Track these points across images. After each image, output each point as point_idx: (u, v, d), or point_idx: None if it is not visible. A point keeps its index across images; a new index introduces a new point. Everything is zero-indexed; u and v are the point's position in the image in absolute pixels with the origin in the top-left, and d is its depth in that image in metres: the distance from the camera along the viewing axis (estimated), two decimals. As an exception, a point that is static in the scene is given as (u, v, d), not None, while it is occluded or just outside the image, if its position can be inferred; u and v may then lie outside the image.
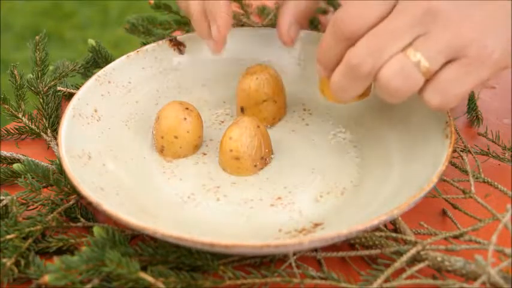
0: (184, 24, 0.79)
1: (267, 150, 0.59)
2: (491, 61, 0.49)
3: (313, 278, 0.50)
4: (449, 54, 0.49)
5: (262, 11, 0.85)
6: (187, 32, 0.78)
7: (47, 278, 0.45)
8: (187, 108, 0.60)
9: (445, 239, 0.52)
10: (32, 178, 0.56)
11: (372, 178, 0.57)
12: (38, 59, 0.69)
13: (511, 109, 0.67)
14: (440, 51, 0.48)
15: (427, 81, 0.49)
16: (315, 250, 0.52)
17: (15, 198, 0.55)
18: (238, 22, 0.82)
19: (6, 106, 0.66)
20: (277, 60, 0.67)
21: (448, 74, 0.49)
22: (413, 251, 0.50)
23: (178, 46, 0.68)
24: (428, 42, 0.48)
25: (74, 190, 0.55)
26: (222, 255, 0.51)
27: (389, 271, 0.48)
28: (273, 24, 0.81)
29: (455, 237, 0.52)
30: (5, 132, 0.66)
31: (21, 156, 0.61)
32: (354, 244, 0.53)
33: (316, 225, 0.53)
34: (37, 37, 0.70)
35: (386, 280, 0.48)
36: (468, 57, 0.48)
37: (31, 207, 0.56)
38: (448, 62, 0.49)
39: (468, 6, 0.49)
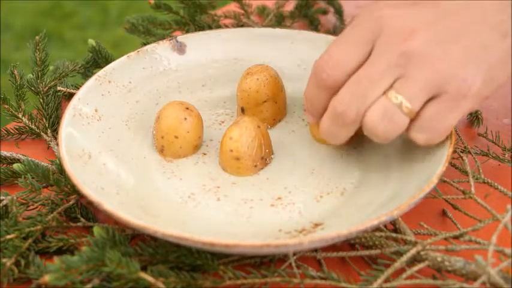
0: (184, 24, 0.79)
1: (267, 151, 0.59)
2: (472, 93, 0.50)
3: (313, 278, 0.50)
4: (429, 92, 0.50)
5: (262, 11, 0.85)
6: (187, 32, 0.78)
7: (47, 278, 0.45)
8: (187, 108, 0.60)
9: (445, 239, 0.52)
10: (32, 178, 0.56)
11: (371, 179, 0.57)
12: (38, 59, 0.69)
13: (511, 109, 0.67)
14: (420, 90, 0.49)
15: (412, 120, 0.51)
16: (315, 250, 0.52)
17: (15, 198, 0.55)
18: (238, 22, 0.82)
19: (6, 106, 0.66)
20: (277, 60, 0.67)
21: (430, 111, 0.50)
22: (413, 251, 0.50)
23: (179, 46, 0.68)
24: (407, 84, 0.49)
25: (74, 190, 0.55)
26: (222, 255, 0.51)
27: (389, 271, 0.49)
28: (273, 25, 0.81)
29: (455, 237, 0.52)
30: (5, 132, 0.66)
31: (21, 156, 0.61)
32: (354, 244, 0.53)
33: (316, 225, 0.53)
34: (37, 37, 0.70)
35: (386, 280, 0.48)
36: (448, 93, 0.49)
37: (31, 207, 0.56)
38: (429, 100, 0.50)
39: (443, 43, 0.50)
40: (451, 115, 0.50)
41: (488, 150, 0.61)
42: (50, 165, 0.59)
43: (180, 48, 0.69)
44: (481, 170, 0.58)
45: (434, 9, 0.51)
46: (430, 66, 0.49)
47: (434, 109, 0.50)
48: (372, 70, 0.50)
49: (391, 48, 0.50)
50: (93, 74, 0.64)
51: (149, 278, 0.47)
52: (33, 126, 0.66)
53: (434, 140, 0.52)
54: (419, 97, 0.50)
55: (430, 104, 0.50)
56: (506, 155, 0.61)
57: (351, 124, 0.52)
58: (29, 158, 0.59)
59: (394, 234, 0.52)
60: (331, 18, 0.85)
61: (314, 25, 0.82)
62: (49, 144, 0.64)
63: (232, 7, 0.84)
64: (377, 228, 0.52)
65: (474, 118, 0.66)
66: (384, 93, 0.50)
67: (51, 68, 0.70)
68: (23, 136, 0.66)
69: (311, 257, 0.52)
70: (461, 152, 0.60)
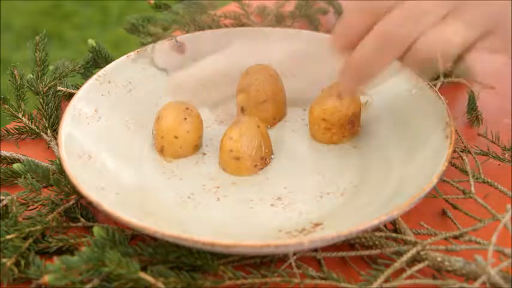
0: (184, 24, 0.79)
1: (267, 151, 0.59)
2: None
3: (313, 278, 0.50)
4: (483, 27, 0.49)
5: (262, 11, 0.85)
6: (187, 32, 0.78)
7: (47, 278, 0.45)
8: (187, 108, 0.60)
9: (445, 239, 0.52)
10: (32, 178, 0.56)
11: (371, 178, 0.57)
12: (38, 59, 0.69)
13: (511, 109, 0.67)
14: (475, 23, 0.49)
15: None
16: (315, 250, 0.52)
17: (15, 198, 0.55)
18: (238, 22, 0.82)
19: (6, 106, 0.66)
20: (277, 60, 0.67)
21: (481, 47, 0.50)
22: (413, 251, 0.50)
23: (178, 46, 0.68)
24: (463, 16, 0.49)
25: (74, 190, 0.55)
26: (222, 255, 0.51)
27: (389, 271, 0.49)
28: (273, 25, 0.81)
29: (455, 237, 0.52)
30: (5, 132, 0.66)
31: (21, 156, 0.61)
32: (354, 244, 0.53)
33: (316, 225, 0.53)
34: (37, 37, 0.70)
35: (386, 280, 0.48)
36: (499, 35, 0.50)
37: (31, 207, 0.56)
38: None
39: None
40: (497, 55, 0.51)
41: (488, 150, 0.61)
42: (50, 165, 0.59)
43: (180, 48, 0.69)
44: (481, 170, 0.58)
45: None
46: (485, 4, 0.49)
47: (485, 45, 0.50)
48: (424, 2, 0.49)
49: None
50: (93, 74, 0.64)
51: (149, 278, 0.47)
52: (33, 126, 0.66)
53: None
54: (475, 29, 0.49)
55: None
56: (506, 155, 0.61)
57: (398, 46, 0.49)
58: (29, 158, 0.59)
59: (394, 234, 0.52)
60: (331, 18, 0.85)
61: (314, 25, 0.82)
62: (49, 144, 0.64)
63: (232, 7, 0.84)
64: (377, 228, 0.52)
65: (474, 118, 0.66)
66: (441, 19, 0.49)
67: (51, 68, 0.70)
68: (23, 136, 0.66)
69: (311, 257, 0.52)
70: (461, 151, 0.60)
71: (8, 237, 0.51)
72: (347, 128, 0.60)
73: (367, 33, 0.50)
